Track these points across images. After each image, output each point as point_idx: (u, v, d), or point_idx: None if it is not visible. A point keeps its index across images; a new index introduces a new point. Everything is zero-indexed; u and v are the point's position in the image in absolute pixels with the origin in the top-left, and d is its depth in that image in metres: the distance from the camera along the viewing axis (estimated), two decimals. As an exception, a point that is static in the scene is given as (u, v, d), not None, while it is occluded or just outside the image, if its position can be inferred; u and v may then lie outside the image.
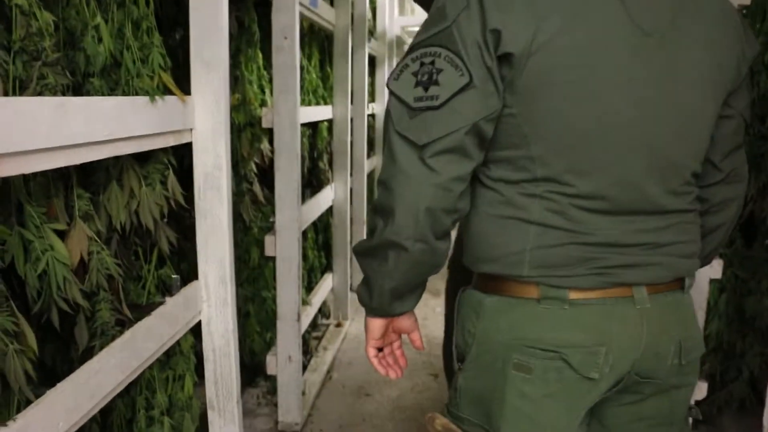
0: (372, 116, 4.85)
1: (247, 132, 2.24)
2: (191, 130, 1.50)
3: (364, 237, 3.99)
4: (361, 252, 1.08)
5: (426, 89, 0.93)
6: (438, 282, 4.20)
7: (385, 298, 1.09)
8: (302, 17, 2.68)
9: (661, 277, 1.04)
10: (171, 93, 1.41)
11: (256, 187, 2.32)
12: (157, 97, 1.33)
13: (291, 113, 2.18)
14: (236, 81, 2.18)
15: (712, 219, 1.17)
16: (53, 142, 1.02)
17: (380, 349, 1.22)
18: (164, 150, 1.49)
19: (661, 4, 0.97)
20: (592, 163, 0.97)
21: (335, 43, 3.23)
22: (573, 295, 1.00)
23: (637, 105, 0.96)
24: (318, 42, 3.24)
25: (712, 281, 2.06)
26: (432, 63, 0.93)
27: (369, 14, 3.86)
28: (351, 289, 3.71)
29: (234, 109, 2.16)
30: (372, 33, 4.16)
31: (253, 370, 2.64)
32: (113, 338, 1.28)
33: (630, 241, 1.01)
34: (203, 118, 1.50)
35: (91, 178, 1.37)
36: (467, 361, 1.09)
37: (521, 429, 1.03)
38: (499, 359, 1.03)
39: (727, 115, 1.09)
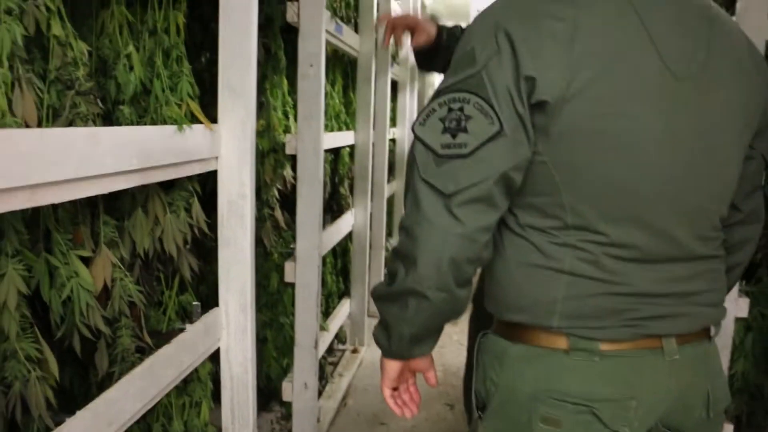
0: (393, 141, 4.86)
1: (271, 158, 2.25)
2: (217, 158, 1.51)
3: (382, 266, 3.97)
4: (380, 297, 1.06)
5: (454, 136, 0.91)
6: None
7: (404, 343, 1.07)
8: (327, 43, 2.70)
9: (691, 328, 1.02)
10: (198, 121, 1.42)
11: (278, 213, 2.33)
12: (184, 126, 1.34)
13: (315, 140, 2.19)
14: (261, 107, 2.19)
15: (729, 259, 1.14)
16: (84, 172, 1.03)
17: (395, 388, 1.20)
18: (190, 178, 1.50)
19: (693, 48, 0.95)
20: (624, 211, 0.95)
21: (359, 69, 3.25)
22: (604, 347, 0.97)
23: (671, 153, 0.95)
24: (341, 67, 3.26)
25: (737, 320, 2.03)
26: (461, 109, 0.91)
27: (392, 39, 3.88)
28: (368, 314, 3.70)
29: (258, 135, 2.18)
30: (395, 58, 4.18)
31: (268, 395, 2.63)
32: (133, 365, 1.28)
33: (661, 291, 0.99)
34: (229, 145, 1.51)
35: (117, 204, 1.38)
36: (489, 410, 1.05)
37: None
38: (524, 411, 0.99)
39: (750, 156, 1.07)
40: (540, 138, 0.93)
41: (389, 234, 4.83)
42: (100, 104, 1.22)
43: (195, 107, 1.44)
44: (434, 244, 0.93)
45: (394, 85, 4.57)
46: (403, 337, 1.05)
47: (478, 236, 0.93)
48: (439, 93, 0.95)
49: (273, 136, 2.21)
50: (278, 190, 2.31)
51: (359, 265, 3.41)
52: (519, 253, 1.01)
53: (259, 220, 2.28)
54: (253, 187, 1.54)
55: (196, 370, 1.58)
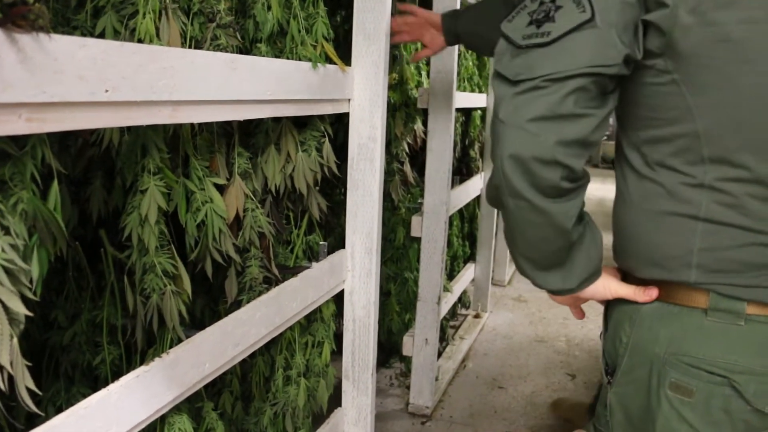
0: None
1: (402, 112, 2.24)
2: (349, 100, 1.52)
3: None
4: None
5: (539, 26, 0.80)
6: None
7: (528, 272, 0.94)
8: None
9: None
10: (332, 62, 1.43)
11: (407, 168, 2.33)
12: (319, 64, 1.36)
13: (447, 95, 2.16)
14: (394, 60, 2.19)
15: None
16: (223, 95, 1.06)
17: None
18: (321, 118, 1.52)
19: None
20: None
21: (496, 31, 3.18)
22: (751, 310, 0.84)
23: None
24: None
25: None
26: (552, 1, 0.80)
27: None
28: (492, 282, 3.66)
29: (390, 88, 2.18)
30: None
31: (389, 350, 2.67)
32: (260, 294, 1.32)
33: None
34: (361, 88, 1.52)
35: (252, 140, 1.42)
36: (618, 374, 0.96)
37: None
38: (654, 375, 0.90)
39: None
40: (668, 53, 0.81)
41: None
42: (239, 38, 1.25)
43: (329, 48, 1.45)
44: (499, 140, 0.82)
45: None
46: (523, 264, 0.93)
47: (537, 129, 0.79)
48: None
49: (405, 89, 2.20)
50: (408, 145, 2.31)
51: (486, 230, 3.36)
52: (647, 199, 0.90)
53: (388, 174, 2.29)
54: (383, 131, 1.54)
55: (320, 309, 1.62)
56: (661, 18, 0.79)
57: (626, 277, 0.99)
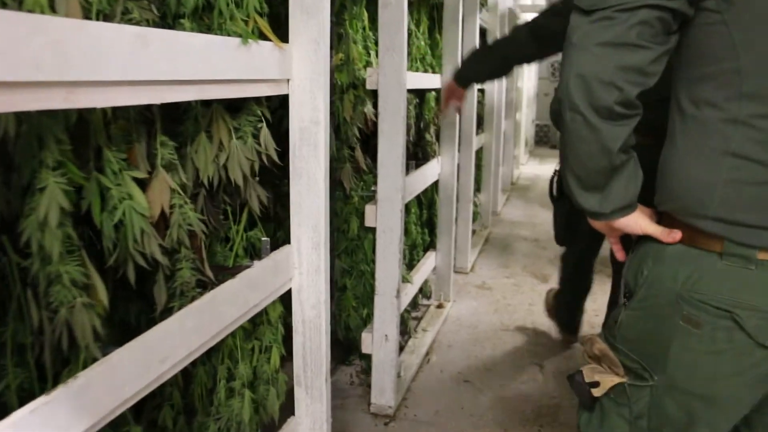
0: (481, 91, 4.64)
1: (350, 94, 2.10)
2: (288, 80, 1.38)
3: (470, 219, 3.90)
4: None
5: None
6: (546, 266, 3.99)
7: (575, 192, 1.05)
8: (413, -23, 2.53)
9: None
10: (268, 39, 1.29)
11: (358, 154, 2.19)
12: (250, 41, 1.21)
13: (397, 73, 2.02)
14: (339, 39, 2.05)
15: None
16: (133, 75, 0.92)
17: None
18: (258, 101, 1.37)
19: None
20: None
21: (445, 9, 3.05)
22: (762, 256, 0.94)
23: None
24: (426, 8, 3.07)
25: None
26: None
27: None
28: (454, 270, 3.56)
29: (337, 69, 2.04)
30: (483, 4, 3.95)
31: (347, 348, 2.53)
32: (193, 300, 1.18)
33: None
34: (301, 67, 1.38)
35: (180, 127, 1.27)
36: (634, 300, 1.08)
37: (681, 378, 1.02)
38: (668, 306, 1.01)
39: None
40: None
41: (477, 189, 4.64)
42: (155, 11, 1.10)
43: (263, 23, 1.30)
44: (568, 60, 0.94)
45: (483, 33, 4.33)
46: (571, 181, 1.04)
47: (605, 54, 0.91)
48: None
49: (352, 70, 2.05)
50: (359, 129, 2.17)
51: (446, 216, 3.24)
52: (690, 140, 0.99)
53: (339, 161, 2.15)
54: (327, 112, 1.40)
55: (265, 311, 1.48)
56: None
57: (661, 220, 1.08)
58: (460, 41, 3.15)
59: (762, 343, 0.94)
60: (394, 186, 2.09)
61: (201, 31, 1.24)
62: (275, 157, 1.38)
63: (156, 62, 0.96)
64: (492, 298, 3.49)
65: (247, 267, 1.32)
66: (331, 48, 2.09)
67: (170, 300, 1.20)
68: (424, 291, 3.22)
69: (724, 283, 0.95)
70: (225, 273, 1.31)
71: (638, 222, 1.06)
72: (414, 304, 3.13)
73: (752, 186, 0.93)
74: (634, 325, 1.08)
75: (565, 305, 2.81)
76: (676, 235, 1.02)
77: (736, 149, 0.93)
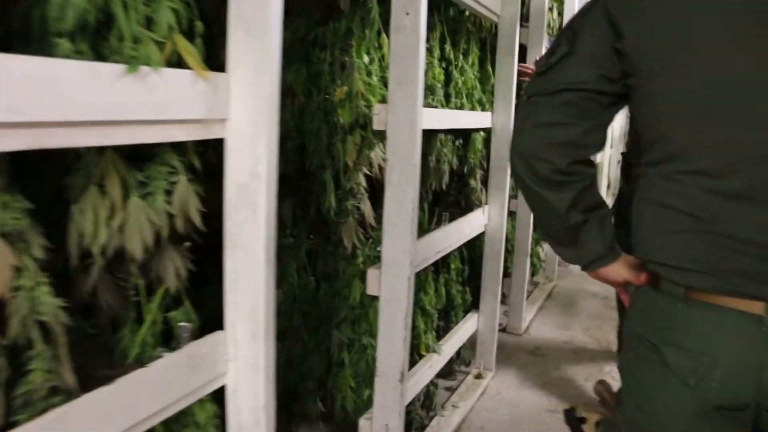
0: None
1: (356, 135, 1.76)
2: (224, 121, 1.07)
3: (526, 276, 3.60)
4: None
5: (547, 59, 1.06)
6: (612, 331, 3.52)
7: (554, 248, 1.18)
8: (456, 2, 2.21)
9: None
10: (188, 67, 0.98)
11: (365, 206, 1.84)
12: (147, 68, 0.90)
13: (410, 111, 1.67)
14: (343, 69, 1.72)
15: None
16: None
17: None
18: (179, 148, 1.06)
19: None
20: (718, 137, 0.93)
21: (499, 38, 2.69)
22: (689, 294, 0.97)
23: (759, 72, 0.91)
24: (477, 37, 2.72)
25: None
26: (557, 41, 1.07)
27: (547, 4, 3.25)
28: (506, 330, 3.15)
29: (339, 104, 1.71)
30: (552, 28, 3.57)
31: (346, 432, 2.16)
32: (44, 412, 0.86)
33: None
34: (241, 105, 1.07)
35: (67, 179, 0.97)
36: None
37: (633, 414, 1.07)
38: (629, 343, 1.08)
39: None
40: (632, 70, 1.00)
41: (536, 240, 4.20)
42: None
43: (184, 45, 1.00)
44: (512, 142, 1.09)
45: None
46: (548, 239, 1.19)
47: (537, 133, 1.05)
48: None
49: (356, 106, 1.72)
50: (367, 177, 1.82)
51: (492, 273, 2.84)
52: (637, 191, 1.06)
53: (340, 214, 1.81)
54: (272, 164, 1.09)
55: (192, 414, 1.15)
56: (622, 46, 1.00)
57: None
58: (516, 75, 2.78)
59: (682, 379, 0.96)
60: (402, 248, 1.72)
61: (98, 58, 0.94)
62: (197, 220, 1.06)
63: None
64: (543, 368, 3.04)
65: (142, 366, 0.99)
66: (333, 80, 1.78)
67: (13, 413, 0.88)
68: (462, 357, 2.83)
69: (660, 320, 1.01)
70: (113, 372, 0.99)
71: (618, 271, 1.12)
72: (449, 371, 2.75)
73: (676, 234, 0.98)
74: (621, 367, 1.17)
75: None
76: (642, 277, 1.08)
77: (658, 198, 1.00)
